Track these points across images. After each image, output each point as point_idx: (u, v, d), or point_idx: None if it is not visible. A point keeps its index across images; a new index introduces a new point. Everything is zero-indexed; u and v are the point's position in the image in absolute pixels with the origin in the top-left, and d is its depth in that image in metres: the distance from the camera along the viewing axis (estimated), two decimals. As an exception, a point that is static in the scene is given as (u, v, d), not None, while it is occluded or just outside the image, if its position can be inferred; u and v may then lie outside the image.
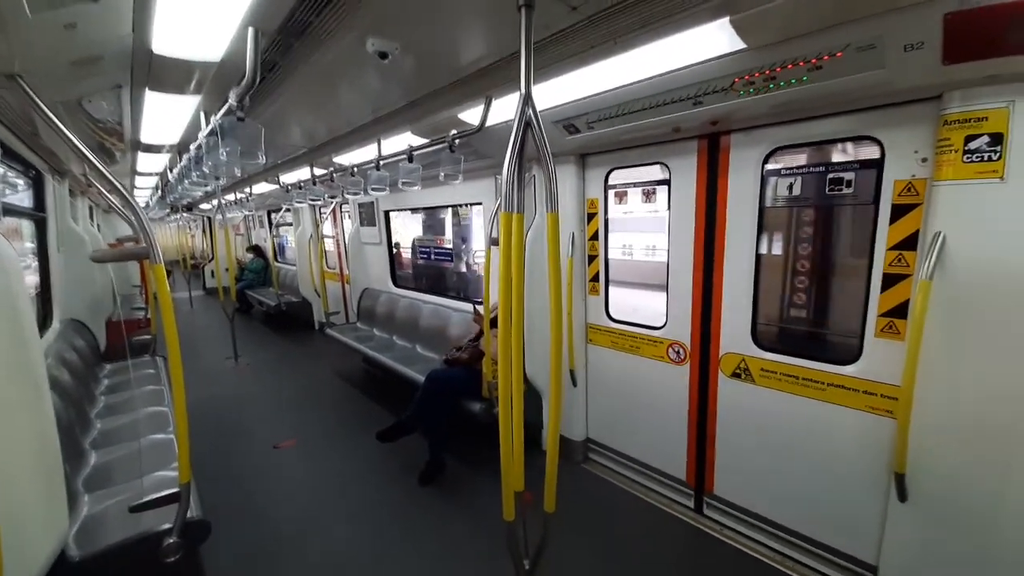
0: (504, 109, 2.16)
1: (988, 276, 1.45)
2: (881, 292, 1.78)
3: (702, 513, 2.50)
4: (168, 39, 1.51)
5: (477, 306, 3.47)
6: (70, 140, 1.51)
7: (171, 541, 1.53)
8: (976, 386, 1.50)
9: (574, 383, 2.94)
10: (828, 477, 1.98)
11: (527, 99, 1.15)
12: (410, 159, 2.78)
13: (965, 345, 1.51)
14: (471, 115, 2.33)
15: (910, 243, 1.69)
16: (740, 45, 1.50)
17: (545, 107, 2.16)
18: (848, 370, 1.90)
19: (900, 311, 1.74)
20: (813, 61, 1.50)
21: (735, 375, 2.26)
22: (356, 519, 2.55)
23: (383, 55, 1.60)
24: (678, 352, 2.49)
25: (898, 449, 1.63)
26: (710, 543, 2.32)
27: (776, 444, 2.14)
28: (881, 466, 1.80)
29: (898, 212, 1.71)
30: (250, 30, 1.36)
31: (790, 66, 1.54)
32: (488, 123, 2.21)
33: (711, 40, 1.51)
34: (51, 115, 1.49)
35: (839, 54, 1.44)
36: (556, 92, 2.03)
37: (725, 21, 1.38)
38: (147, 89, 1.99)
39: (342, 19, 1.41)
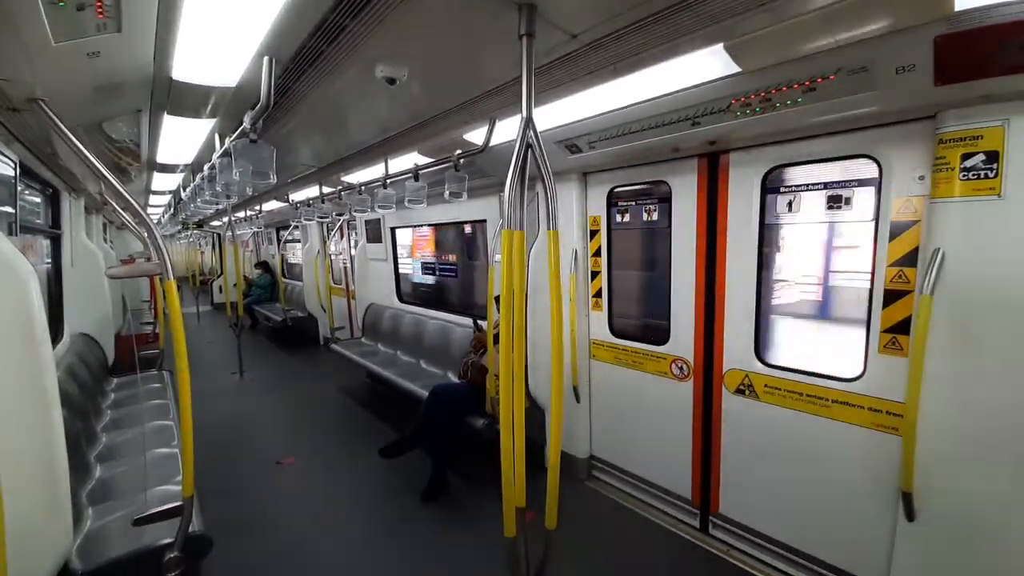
0: (508, 129, 2.22)
1: (989, 291, 1.46)
2: (883, 308, 1.78)
3: (708, 533, 2.45)
4: (187, 66, 1.59)
5: (479, 321, 3.48)
6: (89, 161, 1.56)
7: (173, 555, 1.53)
8: (980, 401, 1.49)
9: (577, 399, 2.93)
10: (835, 496, 1.95)
11: (528, 122, 1.19)
12: (416, 177, 2.84)
13: (968, 360, 1.51)
14: (476, 135, 2.39)
15: (910, 259, 1.70)
16: (736, 69, 1.55)
17: (547, 127, 2.22)
18: (852, 387, 1.88)
19: (903, 327, 1.74)
20: (807, 84, 1.54)
21: (739, 391, 2.25)
22: (357, 536, 2.53)
23: (391, 80, 1.66)
24: (681, 368, 2.48)
25: (904, 467, 1.61)
26: (716, 564, 2.27)
27: (781, 462, 2.12)
28: (888, 484, 1.78)
29: (897, 229, 1.72)
30: (265, 59, 1.42)
31: (784, 88, 1.58)
32: (492, 143, 2.27)
33: (708, 64, 1.56)
34: (72, 137, 1.54)
35: (832, 76, 1.48)
36: (558, 113, 2.09)
37: (719, 47, 1.43)
38: (165, 113, 2.07)
39: (353, 48, 1.48)
